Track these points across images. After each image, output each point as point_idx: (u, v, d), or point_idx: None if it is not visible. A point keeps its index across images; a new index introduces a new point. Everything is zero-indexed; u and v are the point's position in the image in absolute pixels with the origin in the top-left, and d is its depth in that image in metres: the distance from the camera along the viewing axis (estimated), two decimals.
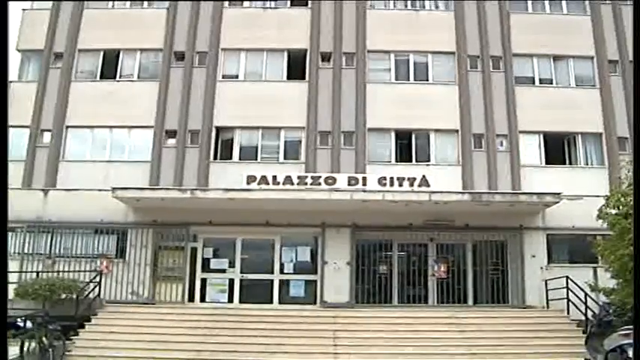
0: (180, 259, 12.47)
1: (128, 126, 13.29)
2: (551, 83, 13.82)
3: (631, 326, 6.36)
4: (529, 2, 14.40)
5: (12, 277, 10.81)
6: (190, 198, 11.61)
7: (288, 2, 14.40)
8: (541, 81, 13.84)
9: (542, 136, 13.51)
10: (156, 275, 12.33)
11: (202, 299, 12.41)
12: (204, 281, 12.59)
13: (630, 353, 6.23)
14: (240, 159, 13.61)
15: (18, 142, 12.99)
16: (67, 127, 13.59)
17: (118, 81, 13.86)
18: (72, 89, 13.76)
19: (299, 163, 13.47)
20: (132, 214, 12.43)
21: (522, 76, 13.87)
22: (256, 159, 13.64)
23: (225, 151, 13.73)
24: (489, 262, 12.53)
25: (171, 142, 13.52)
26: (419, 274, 12.50)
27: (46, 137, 13.43)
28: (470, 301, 12.38)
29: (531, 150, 13.49)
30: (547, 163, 13.37)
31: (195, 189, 11.86)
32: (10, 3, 7.95)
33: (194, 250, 12.70)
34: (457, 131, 13.67)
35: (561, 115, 13.32)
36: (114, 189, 11.54)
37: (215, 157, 13.72)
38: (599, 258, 10.65)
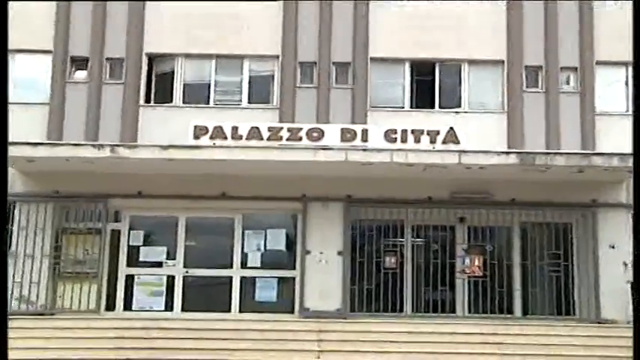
0: (95, 248, 12.26)
1: (12, 50, 12.58)
2: None
3: None
4: None
5: None
6: (110, 158, 11.18)
7: None
8: None
9: (628, 69, 13.24)
10: (57, 272, 12.10)
11: (127, 306, 12.16)
12: (129, 280, 12.34)
13: None
14: (184, 102, 13.41)
15: None
16: None
17: None
18: None
19: (270, 109, 13.34)
20: (21, 181, 12.18)
21: None
22: (208, 102, 13.45)
23: (162, 91, 13.62)
24: (546, 255, 12.34)
25: (81, 75, 13.35)
26: (442, 270, 12.27)
27: None
28: (517, 312, 12.18)
29: (613, 91, 13.29)
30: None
31: (118, 145, 11.43)
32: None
33: (115, 235, 12.50)
34: (502, 62, 13.54)
35: None
36: None
37: (147, 100, 13.48)
38: None
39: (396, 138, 12.06)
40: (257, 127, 12.09)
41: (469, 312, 12.24)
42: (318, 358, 10.56)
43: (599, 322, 11.77)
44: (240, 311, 12.13)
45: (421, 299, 12.42)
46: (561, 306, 12.25)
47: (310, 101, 13.25)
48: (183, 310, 12.17)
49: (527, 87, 13.28)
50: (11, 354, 9.29)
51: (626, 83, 13.58)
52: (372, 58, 13.42)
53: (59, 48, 13.31)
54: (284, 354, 10.45)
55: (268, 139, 12.00)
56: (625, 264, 11.99)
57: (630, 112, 13.31)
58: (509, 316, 12.10)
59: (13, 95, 12.86)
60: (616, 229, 12.22)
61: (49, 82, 13.19)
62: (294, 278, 12.37)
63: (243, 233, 12.58)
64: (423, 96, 13.48)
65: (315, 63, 13.40)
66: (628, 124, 12.61)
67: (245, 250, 12.54)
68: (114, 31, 13.51)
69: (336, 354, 10.53)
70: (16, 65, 13.41)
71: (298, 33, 13.52)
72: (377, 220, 12.45)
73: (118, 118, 13.07)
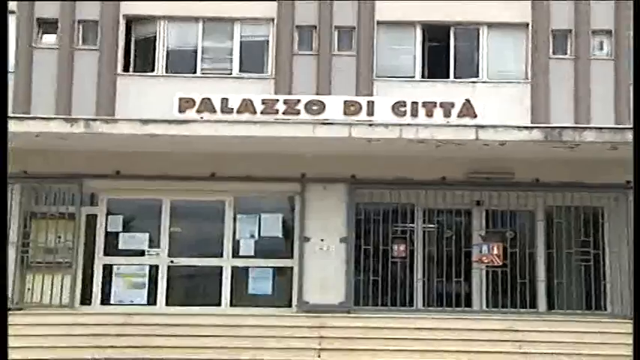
0: (68, 235, 12.07)
1: None
2: None
3: None
4: None
5: None
6: (85, 134, 11.00)
7: None
8: None
9: None
10: (26, 262, 12.00)
11: (105, 300, 12.04)
12: (107, 270, 12.19)
13: None
14: (167, 71, 13.92)
15: None
16: None
17: None
18: None
19: (265, 79, 13.74)
20: None
21: None
22: (194, 71, 13.85)
23: (142, 58, 14.19)
24: (574, 243, 12.23)
25: (49, 39, 13.62)
26: (457, 259, 12.13)
27: None
28: (541, 306, 12.06)
29: None
30: None
31: (94, 119, 11.41)
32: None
33: (91, 220, 12.28)
34: (526, 26, 13.93)
35: None
36: None
37: (126, 68, 13.96)
38: None
39: (405, 111, 12.33)
40: (250, 100, 12.32)
41: (487, 306, 12.07)
42: (319, 356, 10.48)
43: (633, 318, 11.40)
44: (232, 305, 12.00)
45: (433, 292, 12.26)
46: (591, 300, 12.11)
47: (309, 70, 13.61)
48: (167, 304, 12.02)
49: (554, 53, 13.63)
50: None
51: None
52: (378, 22, 14.20)
53: (24, 8, 13.42)
54: (281, 352, 10.38)
55: (262, 112, 12.23)
56: None
57: None
58: (531, 310, 11.94)
59: None
60: None
61: (14, 48, 13.23)
62: (291, 268, 12.18)
63: (234, 218, 12.40)
64: (436, 64, 13.88)
65: (315, 27, 14.12)
66: None
67: (237, 237, 12.35)
68: None
69: (338, 352, 10.46)
70: None
71: None
72: (384, 203, 12.27)
73: (93, 89, 13.20)
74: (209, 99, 12.12)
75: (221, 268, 12.24)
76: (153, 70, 13.66)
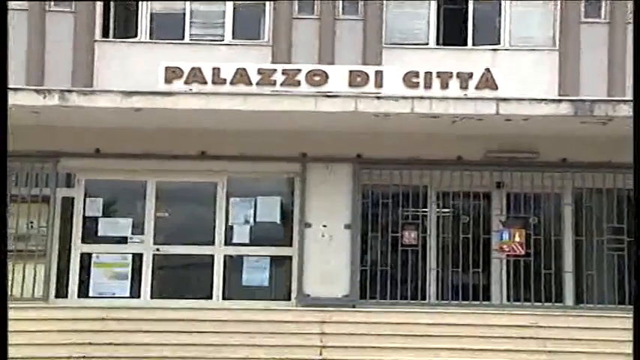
0: (42, 220, 12.30)
1: None
2: None
3: None
4: None
5: None
6: (60, 107, 11.10)
7: None
8: None
9: None
10: None
11: (83, 292, 12.27)
12: (86, 259, 12.38)
13: None
14: (152, 37, 13.57)
15: None
16: None
17: None
18: None
19: (261, 46, 13.48)
20: None
21: None
22: (182, 37, 13.54)
23: (124, 22, 13.88)
24: (605, 229, 12.33)
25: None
26: (475, 247, 12.31)
27: None
28: (568, 300, 12.21)
29: None
30: None
31: (70, 90, 11.38)
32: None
33: (68, 203, 12.49)
34: None
35: None
36: None
37: (105, 33, 13.65)
38: None
39: (417, 83, 11.99)
40: (244, 69, 12.02)
41: (508, 300, 12.20)
42: (321, 354, 10.61)
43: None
44: (224, 298, 12.16)
45: (447, 284, 12.36)
46: (624, 293, 12.15)
47: (311, 36, 13.23)
48: (152, 297, 12.17)
49: (585, 17, 13.22)
50: None
51: None
52: None
53: None
54: (279, 350, 10.53)
55: (258, 83, 11.96)
56: None
57: None
58: (557, 304, 12.05)
59: None
60: None
61: None
62: (290, 258, 12.35)
63: (227, 202, 12.54)
64: (452, 29, 13.53)
65: None
66: None
67: (230, 223, 12.51)
68: None
69: (342, 350, 10.59)
70: None
71: None
72: (393, 185, 12.37)
73: (68, 56, 13.01)
74: (199, 68, 12.01)
75: (212, 257, 12.35)
76: (135, 35, 13.56)
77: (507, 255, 12.34)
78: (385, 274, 12.24)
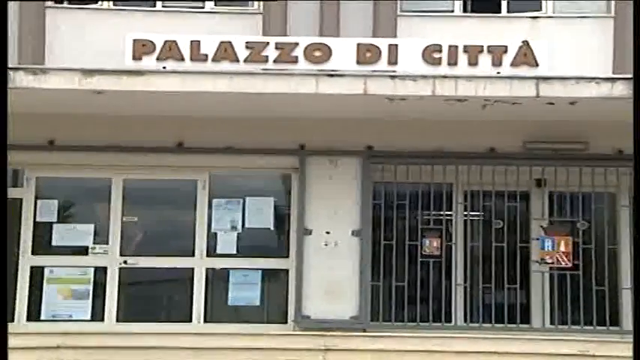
0: None
1: None
2: None
3: None
4: None
5: None
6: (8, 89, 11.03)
7: None
8: None
9: None
10: None
11: (33, 315, 11.92)
12: (37, 275, 12.10)
13: None
14: (116, 3, 12.93)
15: None
16: None
17: None
18: None
19: (250, 14, 12.94)
20: None
21: None
22: (154, 4, 13.10)
23: None
24: None
25: None
26: (511, 258, 11.89)
27: None
28: (626, 323, 11.72)
29: None
30: None
31: (16, 68, 10.91)
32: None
33: (15, 206, 12.12)
34: None
35: None
36: None
37: None
38: None
39: (440, 59, 11.70)
40: (229, 43, 11.72)
41: (551, 323, 11.76)
42: None
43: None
44: (207, 321, 11.85)
45: (477, 303, 12.08)
46: None
47: (310, 3, 12.64)
48: (119, 320, 11.88)
49: None
50: None
51: None
52: None
53: None
54: None
55: (247, 60, 11.65)
56: None
57: None
58: (613, 329, 11.63)
59: None
60: None
61: None
62: (287, 271, 12.01)
63: (210, 203, 12.27)
64: None
65: None
66: None
67: (213, 230, 12.23)
68: None
69: None
70: None
71: None
72: (411, 183, 12.05)
73: (12, 26, 12.47)
74: (174, 42, 11.63)
75: (192, 271, 11.98)
76: (96, 1, 13.02)
77: (550, 268, 11.88)
78: (402, 291, 11.82)
